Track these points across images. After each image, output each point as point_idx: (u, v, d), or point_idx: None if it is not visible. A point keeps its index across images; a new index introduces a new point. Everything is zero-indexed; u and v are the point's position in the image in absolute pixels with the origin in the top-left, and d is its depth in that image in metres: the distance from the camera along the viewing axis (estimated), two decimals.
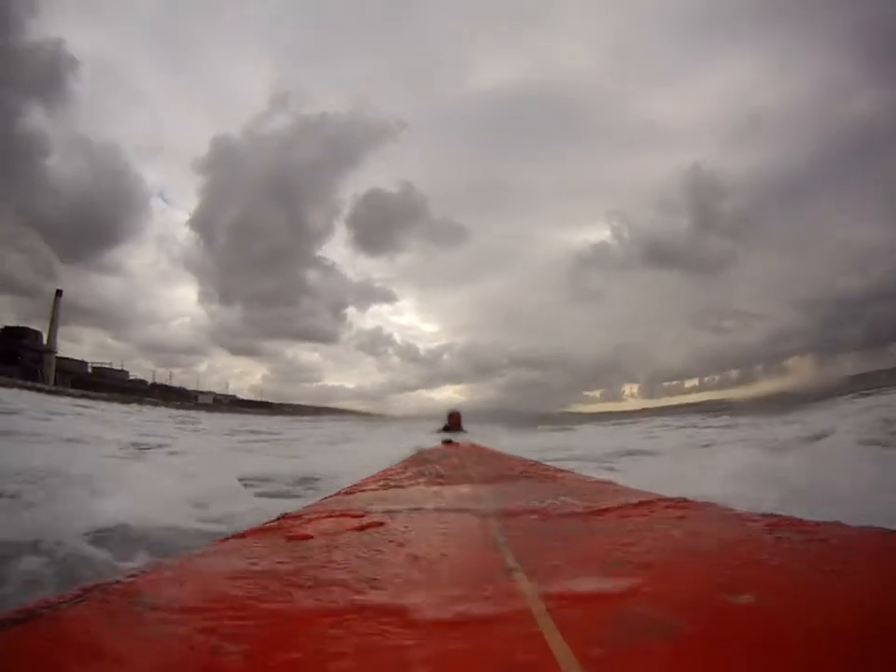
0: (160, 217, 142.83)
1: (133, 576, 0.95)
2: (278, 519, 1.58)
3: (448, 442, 8.46)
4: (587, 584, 0.88)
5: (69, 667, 0.64)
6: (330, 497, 2.27)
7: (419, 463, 4.11)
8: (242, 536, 1.34)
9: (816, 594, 0.72)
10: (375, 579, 0.94)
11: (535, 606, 0.75)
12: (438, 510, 1.77)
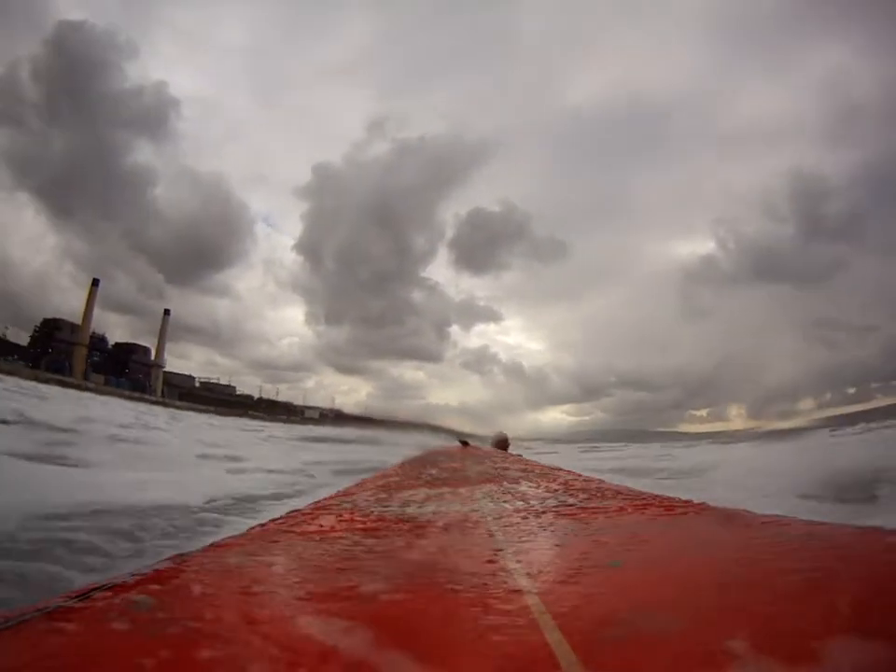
0: (265, 241, 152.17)
1: (133, 576, 0.96)
2: (278, 520, 1.59)
3: (465, 444, 8.65)
4: (587, 584, 0.88)
5: (69, 668, 0.64)
6: (331, 496, 2.27)
7: (422, 463, 4.16)
8: (241, 536, 1.35)
9: (816, 594, 0.72)
10: (374, 579, 0.94)
11: (535, 605, 0.75)
12: (438, 509, 1.77)
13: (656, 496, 1.73)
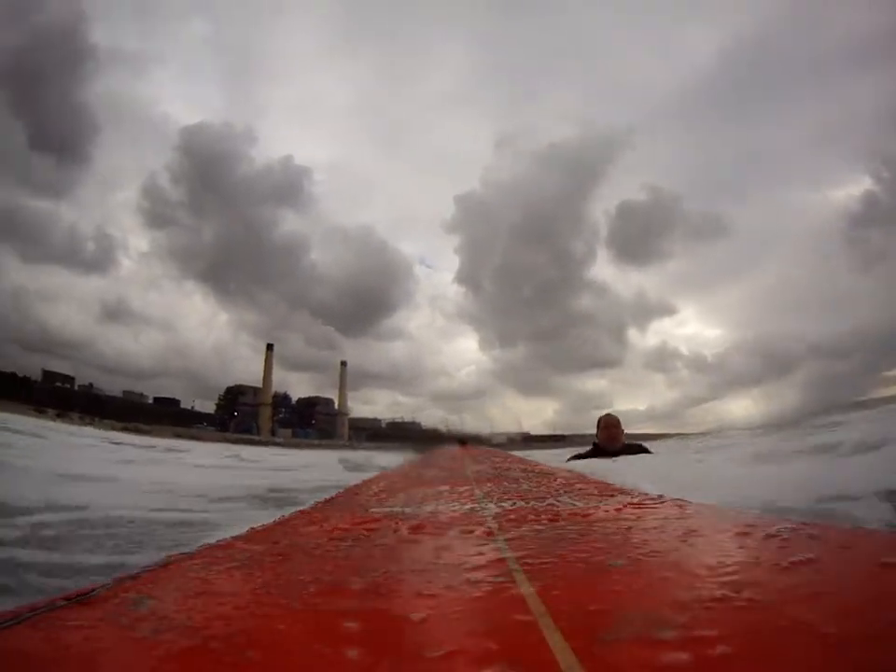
0: (426, 280, 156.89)
1: (133, 576, 0.96)
2: (277, 520, 1.61)
3: (464, 444, 8.08)
4: (587, 584, 0.88)
5: (69, 667, 0.64)
6: (332, 497, 2.27)
7: (422, 463, 4.08)
8: (241, 537, 1.35)
9: (816, 594, 0.71)
10: (374, 579, 0.95)
11: (535, 606, 0.74)
12: (438, 510, 1.76)
13: (658, 496, 1.71)
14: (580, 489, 2.11)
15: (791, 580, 0.77)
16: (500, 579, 0.89)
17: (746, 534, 1.07)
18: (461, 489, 2.44)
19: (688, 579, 0.85)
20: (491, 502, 1.84)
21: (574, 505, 1.67)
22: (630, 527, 1.26)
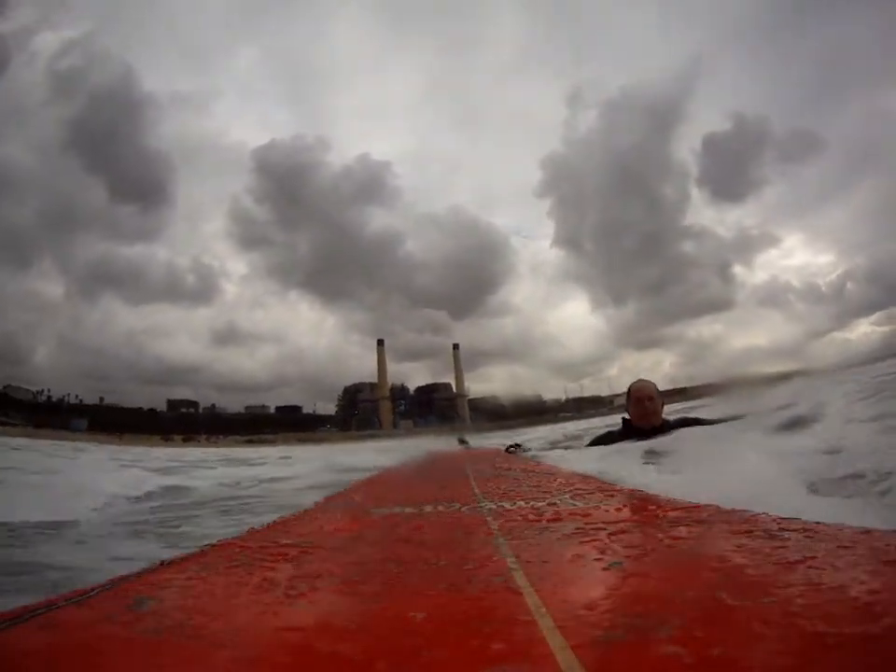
0: (524, 250, 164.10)
1: (133, 576, 0.96)
2: (277, 520, 1.61)
3: (464, 443, 8.70)
4: (587, 584, 0.88)
5: (69, 667, 0.64)
6: (331, 497, 2.27)
7: (421, 463, 4.14)
8: (241, 537, 1.35)
9: (816, 594, 0.71)
10: (374, 578, 0.95)
11: (535, 606, 0.74)
12: (438, 510, 1.76)
13: (659, 496, 1.71)
14: (580, 489, 2.10)
15: (791, 579, 0.77)
16: (500, 579, 0.89)
17: (746, 533, 1.07)
18: (461, 488, 2.44)
19: (688, 578, 0.85)
20: (491, 502, 1.84)
21: (574, 505, 1.67)
22: (630, 527, 1.26)
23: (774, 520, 1.17)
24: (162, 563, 1.07)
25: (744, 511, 1.28)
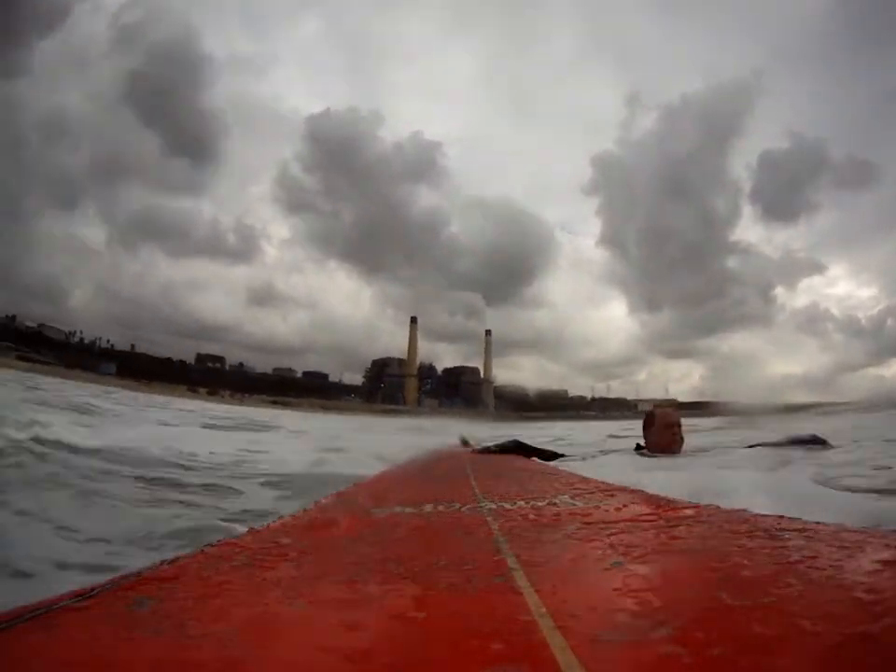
0: (568, 245, 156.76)
1: (133, 576, 0.96)
2: (277, 521, 1.61)
3: (466, 444, 8.67)
4: (587, 584, 0.89)
5: (69, 667, 0.64)
6: (331, 497, 2.27)
7: (423, 463, 4.14)
8: (241, 537, 1.36)
9: (817, 594, 0.72)
10: (374, 578, 0.95)
11: (535, 606, 0.75)
12: (438, 510, 1.77)
13: (659, 496, 1.72)
14: (580, 489, 2.13)
15: (791, 579, 0.77)
16: (500, 579, 0.90)
17: (746, 534, 1.08)
18: (462, 488, 2.46)
19: (688, 578, 0.87)
20: (491, 502, 1.86)
21: (574, 505, 1.68)
22: (630, 527, 1.26)
23: (774, 520, 1.18)
24: (162, 563, 1.08)
25: (744, 510, 1.29)
